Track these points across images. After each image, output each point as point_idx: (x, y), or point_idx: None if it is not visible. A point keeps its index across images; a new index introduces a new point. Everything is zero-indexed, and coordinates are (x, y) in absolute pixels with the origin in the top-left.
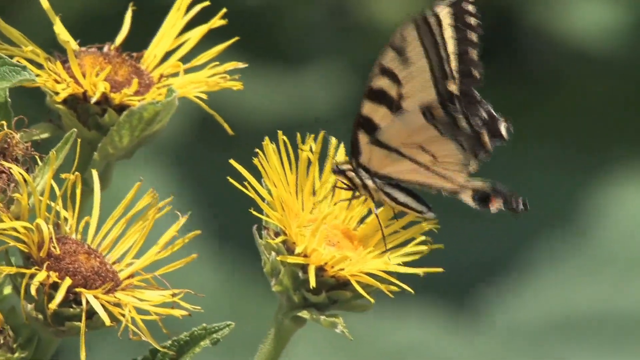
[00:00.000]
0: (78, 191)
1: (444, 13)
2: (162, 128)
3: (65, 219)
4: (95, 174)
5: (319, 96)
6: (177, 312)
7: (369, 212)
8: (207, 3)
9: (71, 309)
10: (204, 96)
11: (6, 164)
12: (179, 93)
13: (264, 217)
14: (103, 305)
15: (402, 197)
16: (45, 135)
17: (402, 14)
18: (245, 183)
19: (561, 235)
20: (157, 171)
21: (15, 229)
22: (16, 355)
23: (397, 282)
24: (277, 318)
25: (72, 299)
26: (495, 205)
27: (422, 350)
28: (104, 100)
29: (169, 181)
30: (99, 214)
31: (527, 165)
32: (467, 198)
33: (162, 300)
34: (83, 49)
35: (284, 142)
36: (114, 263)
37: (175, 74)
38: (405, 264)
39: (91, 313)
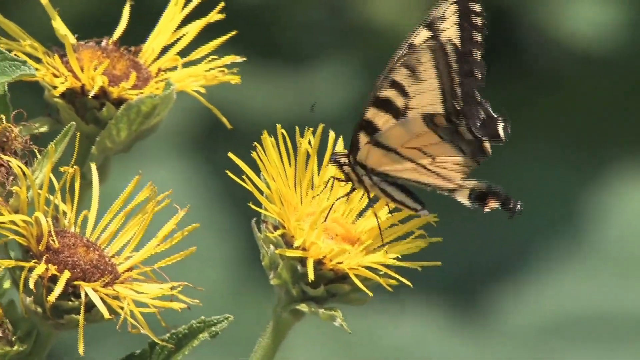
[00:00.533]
0: (77, 184)
1: (452, 17)
2: (160, 121)
3: (64, 212)
4: (93, 167)
5: (319, 95)
6: (175, 305)
7: (368, 206)
8: None
9: (70, 302)
10: (202, 90)
11: (5, 158)
12: (176, 86)
13: (262, 211)
14: (102, 298)
15: (397, 194)
16: (43, 129)
17: (402, 14)
18: (244, 177)
19: (561, 235)
20: (159, 166)
21: (14, 222)
22: (15, 348)
23: (396, 275)
24: (276, 311)
25: (71, 292)
26: (491, 205)
27: (421, 349)
28: (102, 94)
29: (172, 175)
30: (97, 208)
31: (526, 164)
32: (463, 197)
33: (160, 293)
34: (81, 43)
35: (283, 136)
36: (112, 256)
37: (173, 68)
38: (404, 258)
39: (90, 306)
